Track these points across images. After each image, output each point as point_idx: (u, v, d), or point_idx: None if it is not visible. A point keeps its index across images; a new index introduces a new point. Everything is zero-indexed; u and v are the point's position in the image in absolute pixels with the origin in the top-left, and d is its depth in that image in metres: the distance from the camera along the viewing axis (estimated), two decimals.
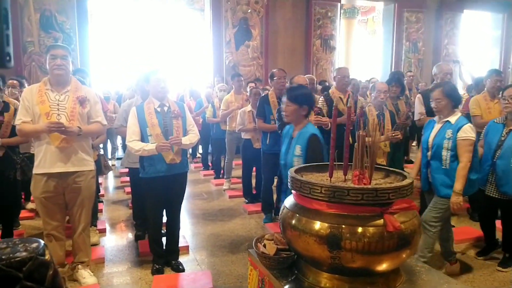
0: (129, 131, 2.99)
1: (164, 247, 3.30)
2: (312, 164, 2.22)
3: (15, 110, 3.58)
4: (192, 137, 3.08)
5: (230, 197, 5.45)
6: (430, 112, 4.04)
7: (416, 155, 4.42)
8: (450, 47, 11.40)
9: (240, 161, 5.70)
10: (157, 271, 3.18)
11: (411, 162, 7.37)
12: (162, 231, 3.38)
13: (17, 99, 4.23)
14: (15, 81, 4.77)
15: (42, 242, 0.91)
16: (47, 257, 0.89)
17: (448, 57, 11.23)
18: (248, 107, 5.09)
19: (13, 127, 3.49)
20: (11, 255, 0.83)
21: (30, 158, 3.80)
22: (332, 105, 3.89)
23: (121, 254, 3.65)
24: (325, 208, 1.72)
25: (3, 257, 0.83)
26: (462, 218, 4.55)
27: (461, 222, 4.40)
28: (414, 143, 7.78)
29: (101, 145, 6.18)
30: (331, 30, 10.14)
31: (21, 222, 4.33)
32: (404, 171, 5.53)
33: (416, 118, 4.19)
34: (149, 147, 2.89)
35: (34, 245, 0.88)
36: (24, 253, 0.84)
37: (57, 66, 2.72)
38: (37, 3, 7.62)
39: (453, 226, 4.15)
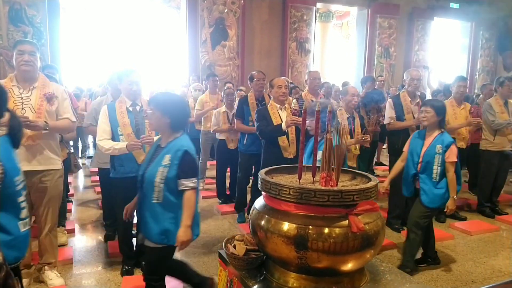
0: (100, 130, 2.93)
1: (134, 248, 3.26)
2: (283, 166, 2.26)
3: None
4: None
5: (204, 197, 5.43)
6: (399, 117, 4.17)
7: (388, 158, 4.54)
8: (420, 53, 11.77)
9: (214, 162, 5.70)
10: (126, 272, 3.14)
11: (382, 164, 7.58)
12: (133, 232, 3.34)
13: None
14: None
15: None
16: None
17: (418, 63, 11.59)
18: (223, 108, 5.09)
19: None
20: None
21: None
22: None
23: (90, 255, 3.58)
24: (293, 209, 1.77)
25: None
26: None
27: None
28: (384, 146, 7.98)
29: (71, 143, 6.03)
30: (307, 33, 10.27)
31: None
32: (373, 172, 5.64)
33: (386, 122, 4.31)
34: (120, 145, 2.85)
35: None
36: None
37: (24, 62, 2.65)
38: None
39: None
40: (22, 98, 2.68)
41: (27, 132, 2.62)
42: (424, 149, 3.23)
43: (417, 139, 3.35)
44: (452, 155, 3.14)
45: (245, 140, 4.37)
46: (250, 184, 4.65)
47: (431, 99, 3.88)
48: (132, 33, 12.24)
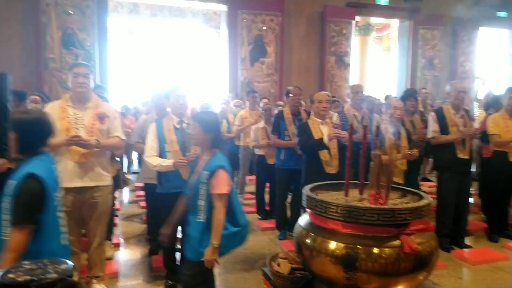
0: (148, 147, 3.04)
1: (177, 263, 3.30)
2: (328, 182, 2.22)
3: None
4: None
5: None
6: (444, 131, 4.00)
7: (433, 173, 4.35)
8: (466, 64, 11.31)
9: (253, 177, 5.71)
10: (170, 287, 3.17)
11: (427, 180, 7.27)
12: (177, 247, 3.39)
13: None
14: (37, 97, 4.90)
15: (70, 263, 0.94)
16: (75, 278, 0.92)
17: (464, 74, 11.14)
18: (261, 123, 5.12)
19: None
20: (42, 276, 0.87)
21: None
22: (346, 122, 3.89)
23: (134, 269, 3.67)
24: (340, 228, 1.72)
25: (34, 278, 0.86)
26: (480, 238, 4.44)
27: (478, 243, 4.29)
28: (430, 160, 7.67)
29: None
30: (346, 47, 10.18)
31: None
32: (419, 188, 5.48)
33: (429, 136, 4.15)
34: (167, 163, 2.93)
35: (63, 266, 0.91)
36: (54, 275, 0.88)
37: (79, 84, 2.81)
38: (59, 21, 7.88)
39: (470, 247, 4.07)
40: (76, 118, 2.83)
41: (80, 150, 2.76)
42: (193, 177, 2.48)
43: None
44: (220, 185, 2.29)
45: (282, 155, 4.35)
46: (289, 200, 4.60)
47: (200, 112, 3.14)
48: (174, 54, 12.71)
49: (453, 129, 3.98)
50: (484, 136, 4.26)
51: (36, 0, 7.72)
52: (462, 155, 3.97)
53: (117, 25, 11.39)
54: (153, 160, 2.97)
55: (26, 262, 0.92)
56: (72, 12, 7.94)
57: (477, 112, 6.26)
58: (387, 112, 3.91)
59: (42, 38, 7.82)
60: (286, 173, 4.35)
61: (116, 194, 5.80)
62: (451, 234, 4.09)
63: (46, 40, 7.85)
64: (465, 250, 4.02)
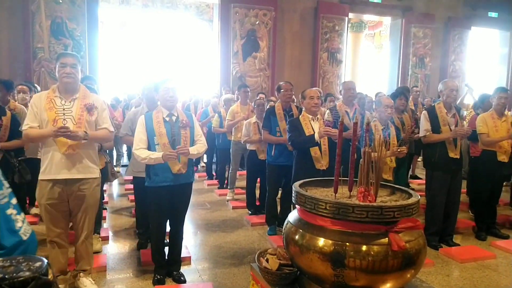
0: (136, 139, 2.99)
1: (166, 257, 3.28)
2: (318, 179, 2.22)
3: (12, 115, 3.63)
4: (199, 147, 3.09)
5: (234, 207, 5.43)
6: (436, 129, 4.03)
7: (421, 171, 4.39)
8: (457, 64, 11.43)
9: (244, 172, 5.69)
10: (158, 282, 3.16)
11: (417, 177, 7.34)
12: (165, 241, 3.37)
13: (27, 105, 4.28)
14: (24, 87, 4.82)
15: (45, 261, 0.90)
16: (49, 276, 0.88)
17: (455, 73, 11.26)
18: (253, 118, 5.10)
19: (11, 131, 3.53)
20: (14, 275, 0.82)
21: (26, 161, 3.83)
22: (338, 118, 3.89)
23: (123, 262, 3.64)
24: (329, 225, 1.72)
25: (6, 276, 0.82)
26: (468, 236, 4.50)
27: (466, 241, 4.34)
28: (419, 159, 7.74)
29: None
30: (338, 43, 10.20)
31: None
32: (409, 187, 5.48)
33: (421, 134, 4.17)
34: (156, 155, 2.89)
35: (37, 264, 0.87)
36: (27, 273, 0.84)
37: (66, 74, 2.75)
38: (48, 10, 7.74)
39: (458, 245, 4.12)
40: (64, 109, 2.77)
41: (68, 141, 2.71)
42: None
43: None
44: None
45: (273, 151, 4.34)
46: (279, 196, 4.61)
47: None
48: (166, 45, 12.59)
49: (445, 128, 4.00)
50: (473, 135, 4.29)
51: None
52: (453, 154, 3.99)
53: (108, 15, 11.22)
54: (142, 152, 2.93)
55: None
56: (61, 1, 7.81)
57: (465, 113, 6.33)
58: (377, 110, 3.92)
59: (31, 27, 7.68)
60: (277, 169, 4.35)
61: (105, 187, 5.75)
62: (439, 232, 4.13)
63: (35, 29, 7.72)
64: (453, 248, 4.06)
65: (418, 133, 4.46)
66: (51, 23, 7.80)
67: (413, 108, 6.29)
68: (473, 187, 5.14)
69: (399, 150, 3.59)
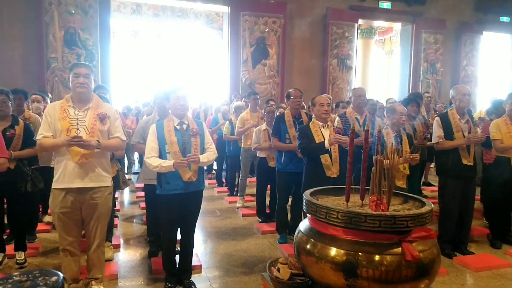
0: (148, 148, 3.02)
1: (177, 265, 3.28)
2: (329, 187, 2.20)
3: (25, 124, 3.69)
4: (210, 154, 3.10)
5: (244, 215, 5.42)
6: (448, 136, 3.98)
7: (434, 177, 4.33)
8: (469, 69, 11.31)
9: (254, 179, 5.69)
10: None
11: (430, 184, 7.25)
12: (176, 249, 3.37)
13: (41, 114, 4.36)
14: (38, 96, 4.90)
15: (61, 275, 0.91)
16: None
17: (467, 78, 11.15)
18: (263, 126, 5.11)
19: (24, 140, 3.59)
20: None
21: (40, 170, 3.89)
22: (349, 126, 3.87)
23: (134, 270, 3.65)
24: (341, 234, 1.70)
25: None
26: (482, 245, 4.41)
27: (481, 249, 4.26)
28: (432, 165, 7.64)
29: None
30: (348, 50, 10.19)
31: (37, 235, 4.38)
32: (422, 194, 5.38)
33: (434, 141, 4.12)
34: (167, 163, 2.92)
35: (54, 278, 0.89)
36: (44, 287, 0.85)
37: (79, 84, 2.79)
38: (62, 20, 7.90)
39: (473, 253, 4.04)
40: (77, 118, 2.81)
41: (81, 150, 2.75)
42: None
43: None
44: None
45: (283, 158, 4.32)
46: (289, 203, 4.58)
47: None
48: (176, 54, 12.72)
49: (458, 135, 3.95)
50: (486, 141, 4.23)
51: None
52: (467, 161, 3.94)
53: (119, 25, 11.40)
54: (153, 161, 2.95)
55: (16, 274, 0.89)
56: (74, 12, 7.95)
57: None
58: (388, 117, 3.88)
59: (44, 37, 7.83)
60: (287, 176, 4.33)
61: (117, 194, 5.79)
62: (453, 240, 4.06)
63: (48, 39, 7.87)
64: (467, 256, 3.99)
65: (430, 139, 4.41)
66: (64, 33, 7.94)
67: (425, 114, 6.23)
68: (487, 194, 5.05)
69: (411, 157, 3.55)
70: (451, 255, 3.96)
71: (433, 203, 3.31)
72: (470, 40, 11.25)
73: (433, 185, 6.90)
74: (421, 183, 6.75)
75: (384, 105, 6.74)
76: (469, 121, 4.06)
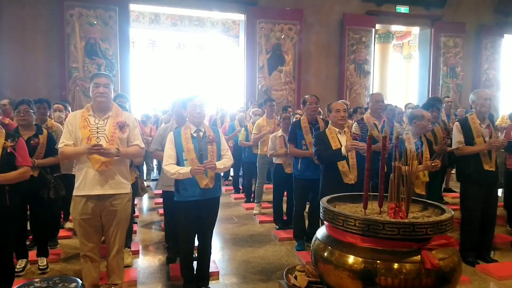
0: (166, 155, 3.07)
1: (195, 272, 3.30)
2: (345, 194, 2.19)
3: (49, 133, 3.79)
4: (226, 161, 3.13)
5: (261, 222, 5.41)
6: (469, 141, 3.90)
7: (456, 183, 4.23)
8: (490, 72, 11.07)
9: (271, 185, 5.68)
10: None
11: (451, 191, 7.08)
12: (193, 256, 3.39)
13: (62, 123, 4.48)
14: (60, 105, 5.05)
15: (79, 281, 0.94)
16: None
17: (488, 82, 10.91)
18: (279, 132, 5.11)
19: (47, 148, 3.69)
20: None
21: (62, 177, 3.98)
22: (366, 131, 3.83)
23: (153, 276, 3.69)
24: (359, 242, 1.69)
25: None
26: (506, 252, 4.28)
27: (504, 257, 4.13)
28: (453, 171, 7.48)
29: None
30: (365, 55, 10.12)
31: (59, 241, 4.48)
32: (443, 200, 5.27)
33: (454, 147, 4.04)
34: (184, 170, 2.95)
35: (73, 285, 0.91)
36: None
37: (99, 94, 2.86)
38: (83, 31, 8.12)
39: (496, 261, 3.92)
40: (97, 127, 2.88)
41: (101, 158, 2.81)
42: None
43: None
44: None
45: (299, 164, 4.31)
46: (306, 210, 4.55)
47: None
48: (194, 62, 12.89)
49: (479, 140, 3.86)
50: (509, 146, 4.12)
51: (61, 11, 7.98)
52: (488, 166, 3.84)
53: (138, 35, 11.63)
54: (171, 168, 3.00)
55: (37, 280, 0.92)
56: (95, 22, 8.17)
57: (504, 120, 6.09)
58: (414, 123, 3.77)
59: (66, 48, 8.07)
60: (304, 182, 4.31)
61: (136, 201, 5.87)
62: (476, 248, 3.96)
63: (70, 49, 8.10)
64: (491, 264, 3.87)
65: (451, 145, 4.33)
66: (85, 44, 8.17)
67: (445, 119, 6.12)
68: (510, 200, 4.91)
69: (433, 164, 3.48)
70: (474, 263, 3.86)
71: (455, 209, 3.24)
72: (491, 43, 11.01)
73: (455, 191, 6.75)
74: (442, 189, 6.61)
75: (403, 110, 6.66)
76: (490, 126, 3.96)
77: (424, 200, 2.05)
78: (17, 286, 0.81)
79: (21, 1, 8.00)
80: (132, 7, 8.90)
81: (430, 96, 9.93)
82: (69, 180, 3.83)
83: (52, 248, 4.19)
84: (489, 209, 3.93)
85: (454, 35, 10.68)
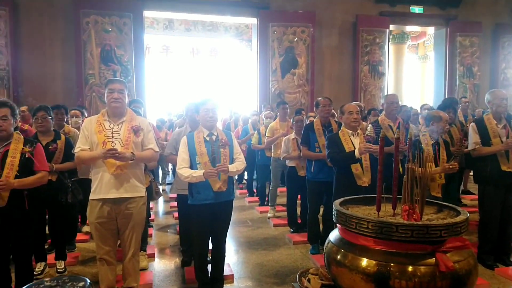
0: (179, 159, 3.11)
1: (209, 275, 3.31)
2: (358, 196, 2.17)
3: (66, 139, 3.87)
4: (238, 164, 3.14)
5: (275, 225, 5.40)
6: (485, 141, 3.82)
7: (474, 185, 4.14)
8: (508, 71, 10.83)
9: (285, 188, 5.67)
10: None
11: (469, 193, 6.94)
12: (208, 259, 3.41)
13: (79, 128, 4.57)
14: (77, 111, 5.16)
15: (88, 281, 0.96)
16: None
17: (506, 82, 10.67)
18: (292, 135, 5.10)
19: (65, 153, 3.77)
20: None
21: (79, 181, 4.06)
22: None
23: (168, 280, 3.72)
24: (372, 245, 1.67)
25: None
26: None
27: None
28: (471, 173, 7.32)
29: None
30: (380, 56, 10.03)
31: (77, 244, 4.56)
32: (461, 203, 5.17)
33: (470, 148, 3.96)
34: (198, 173, 2.99)
35: (81, 284, 0.93)
36: None
37: (114, 100, 2.92)
38: (98, 38, 8.28)
39: None
40: (112, 132, 2.93)
41: (116, 162, 2.85)
42: None
43: None
44: None
45: (312, 167, 4.28)
46: (321, 213, 4.52)
47: None
48: (207, 66, 13.01)
49: (496, 140, 3.78)
50: None
51: (77, 19, 8.16)
52: (506, 167, 3.76)
53: (153, 41, 11.80)
54: (185, 171, 3.03)
55: (46, 280, 0.94)
56: (110, 30, 8.32)
57: None
58: (432, 124, 3.71)
59: (82, 55, 8.24)
60: (317, 185, 4.28)
61: (152, 204, 5.94)
62: (495, 251, 3.87)
63: (86, 56, 8.26)
64: (510, 267, 3.78)
65: (467, 146, 4.25)
66: (101, 50, 8.32)
67: (462, 120, 6.01)
68: None
69: (450, 166, 3.42)
70: (493, 266, 3.77)
71: (474, 212, 3.17)
72: (508, 42, 10.78)
73: (473, 194, 6.61)
74: (460, 191, 6.49)
75: (419, 111, 6.57)
76: (507, 126, 3.87)
77: (440, 202, 2.02)
78: (27, 285, 0.84)
79: (39, 10, 8.22)
80: (146, 13, 9.04)
81: (446, 96, 9.77)
82: (86, 185, 3.89)
83: (70, 252, 4.27)
84: (508, 210, 3.84)
85: (470, 35, 10.49)
